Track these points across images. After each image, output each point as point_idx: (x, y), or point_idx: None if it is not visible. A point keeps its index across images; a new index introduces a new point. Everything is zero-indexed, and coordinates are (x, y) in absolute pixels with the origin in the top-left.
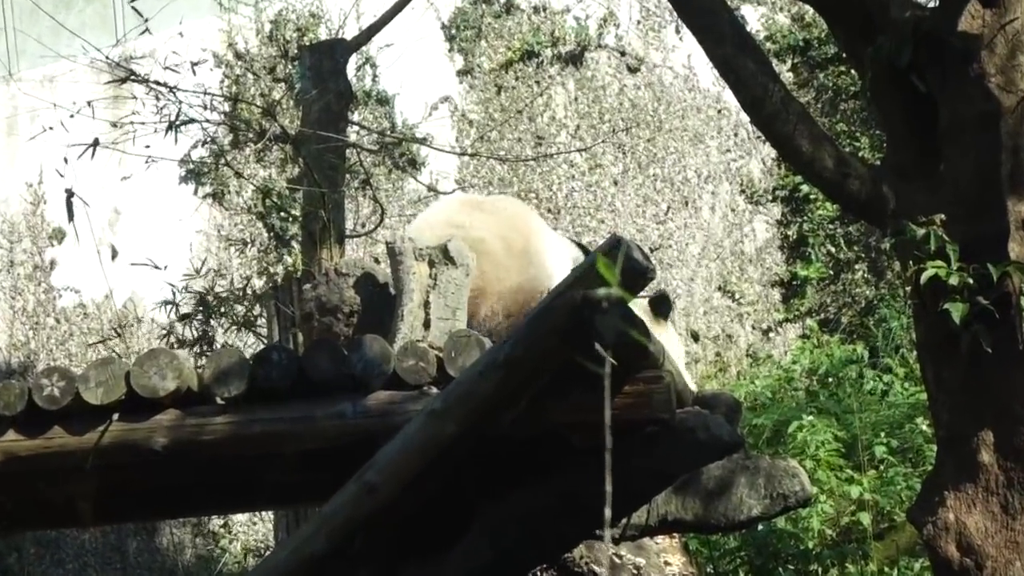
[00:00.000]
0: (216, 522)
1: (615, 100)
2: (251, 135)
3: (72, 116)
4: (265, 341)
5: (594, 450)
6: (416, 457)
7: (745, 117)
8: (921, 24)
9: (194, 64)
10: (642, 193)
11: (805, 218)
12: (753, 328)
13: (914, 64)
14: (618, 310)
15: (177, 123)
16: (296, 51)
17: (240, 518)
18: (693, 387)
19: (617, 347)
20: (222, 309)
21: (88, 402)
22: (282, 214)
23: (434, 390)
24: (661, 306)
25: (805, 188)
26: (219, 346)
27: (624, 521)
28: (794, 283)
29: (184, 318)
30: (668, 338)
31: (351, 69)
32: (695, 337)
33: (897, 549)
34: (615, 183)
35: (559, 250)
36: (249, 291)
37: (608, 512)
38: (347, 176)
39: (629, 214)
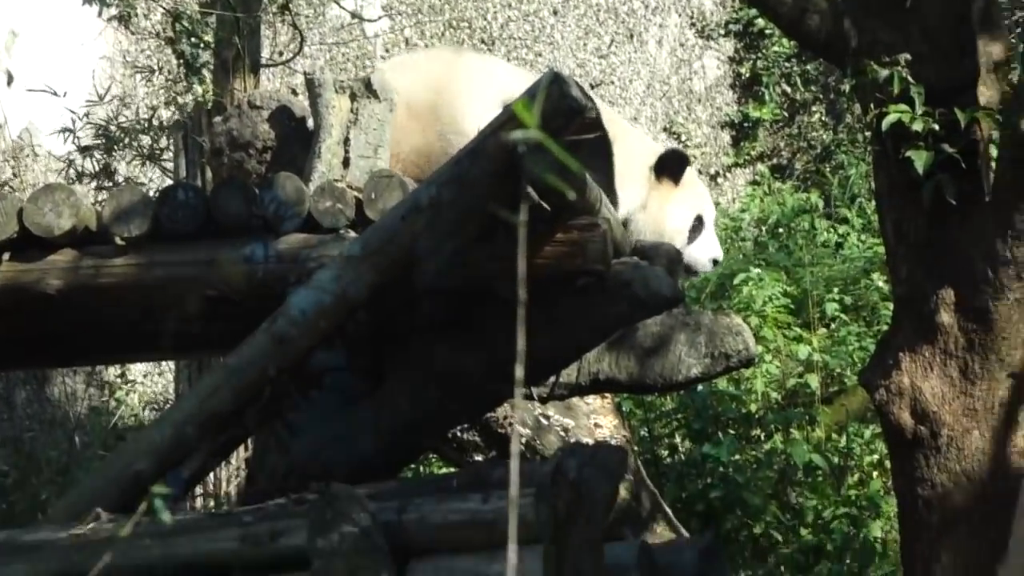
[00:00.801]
0: (112, 372)
1: None
2: None
3: None
4: (171, 177)
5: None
6: (332, 306)
7: None
8: None
9: None
10: (583, 24)
11: (759, 55)
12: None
13: None
14: (539, 154)
15: None
16: None
17: (138, 368)
18: (718, 253)
19: (547, 192)
20: (126, 140)
21: None
22: (193, 40)
23: (352, 234)
24: (671, 166)
25: (760, 23)
26: (122, 181)
27: (552, 379)
28: (745, 125)
29: (85, 150)
30: (681, 201)
31: None
32: None
33: (847, 414)
34: (555, 13)
35: (484, 99)
36: (155, 122)
37: (520, 371)
38: (264, 0)
39: (569, 47)
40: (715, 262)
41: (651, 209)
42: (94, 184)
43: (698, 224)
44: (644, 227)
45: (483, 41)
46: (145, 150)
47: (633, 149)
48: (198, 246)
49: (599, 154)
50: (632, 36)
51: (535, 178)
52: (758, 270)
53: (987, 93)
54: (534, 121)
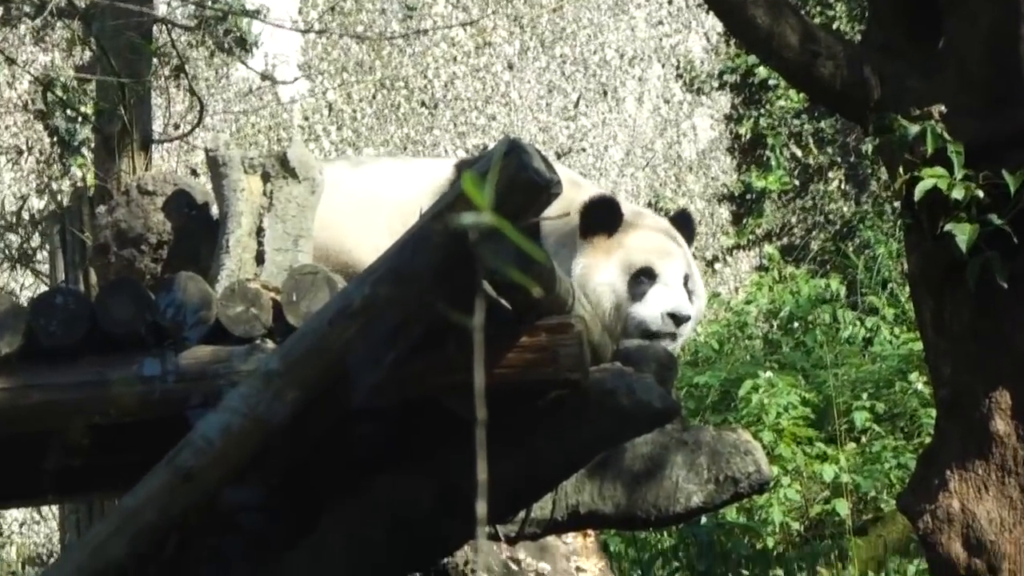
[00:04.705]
0: None
1: None
2: (27, 8)
3: None
4: (47, 282)
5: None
6: (245, 433)
7: None
8: None
9: None
10: (546, 80)
11: (762, 112)
12: (694, 257)
13: None
14: (496, 241)
15: None
16: None
17: (14, 515)
18: (677, 305)
19: (508, 288)
20: None
21: None
22: (69, 112)
23: (270, 344)
24: (598, 218)
25: (762, 72)
26: None
27: (522, 515)
28: (748, 197)
29: None
30: (611, 256)
31: None
32: None
33: (885, 547)
34: (510, 67)
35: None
36: (26, 215)
37: (482, 507)
38: (155, 62)
39: (529, 108)
40: (675, 317)
41: (575, 273)
42: None
43: (643, 277)
44: None
45: (423, 104)
46: (14, 252)
47: (572, 206)
48: (82, 364)
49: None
50: (606, 93)
51: (492, 271)
52: (769, 374)
53: None
54: (487, 202)
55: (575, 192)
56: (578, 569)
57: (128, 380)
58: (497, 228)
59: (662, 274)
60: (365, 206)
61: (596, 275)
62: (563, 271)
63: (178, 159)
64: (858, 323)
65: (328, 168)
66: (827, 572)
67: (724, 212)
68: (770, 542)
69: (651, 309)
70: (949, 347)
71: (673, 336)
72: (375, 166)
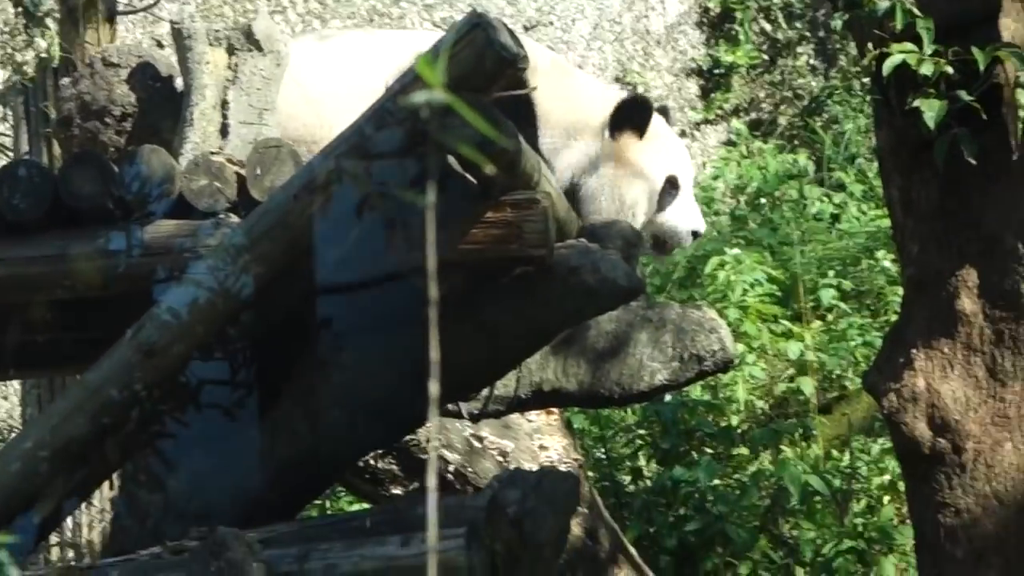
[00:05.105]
0: None
1: None
2: None
3: None
4: (10, 155)
5: (446, 301)
6: (210, 306)
7: None
8: None
9: None
10: None
11: None
12: None
13: None
14: (453, 118)
15: None
16: None
17: None
18: (700, 224)
19: (471, 163)
20: None
21: None
22: None
23: (233, 218)
24: (632, 115)
25: None
26: None
27: (485, 392)
28: (716, 72)
29: None
30: (646, 158)
31: None
32: None
33: (849, 426)
34: None
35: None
36: None
37: (435, 386)
38: None
39: None
40: (695, 234)
41: (606, 172)
42: None
43: (671, 187)
44: (597, 194)
45: None
46: None
47: (580, 97)
48: (44, 238)
49: (518, 115)
50: None
51: (455, 147)
52: (736, 251)
53: (1011, 27)
54: (438, 79)
55: (572, 80)
56: (541, 447)
57: (91, 254)
58: (436, 107)
59: (683, 185)
60: (336, 80)
61: (635, 180)
62: (584, 160)
63: (143, 31)
64: (825, 199)
65: (294, 44)
66: (791, 450)
67: (692, 86)
68: (734, 420)
69: (679, 224)
70: (917, 225)
71: (681, 248)
72: (343, 38)
